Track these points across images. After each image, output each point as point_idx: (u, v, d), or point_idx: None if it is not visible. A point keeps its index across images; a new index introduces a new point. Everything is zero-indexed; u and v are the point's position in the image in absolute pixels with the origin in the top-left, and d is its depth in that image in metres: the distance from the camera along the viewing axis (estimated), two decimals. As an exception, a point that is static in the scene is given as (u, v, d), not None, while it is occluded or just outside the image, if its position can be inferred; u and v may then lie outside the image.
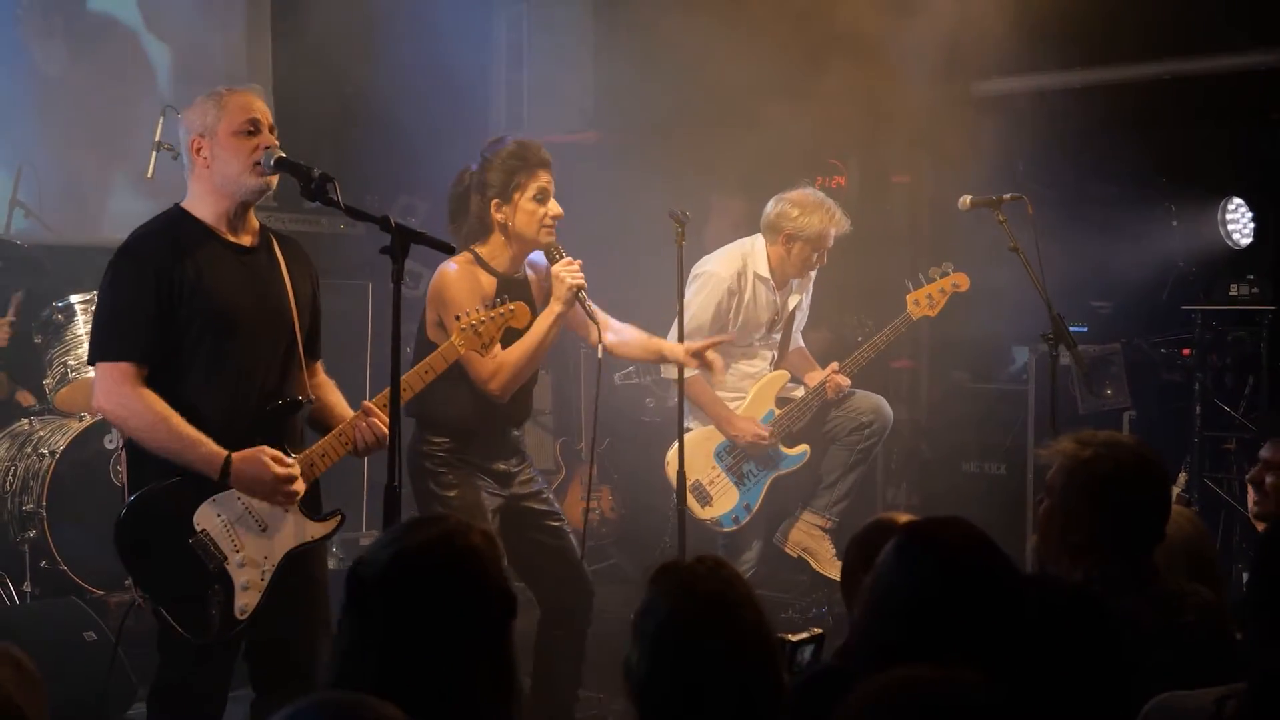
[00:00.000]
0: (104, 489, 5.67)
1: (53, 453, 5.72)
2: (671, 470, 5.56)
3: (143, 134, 6.35)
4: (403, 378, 3.63)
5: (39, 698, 2.36)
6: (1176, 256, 7.18)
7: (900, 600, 2.35)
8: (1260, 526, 4.01)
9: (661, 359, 5.00)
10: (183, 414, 3.64)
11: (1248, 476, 4.08)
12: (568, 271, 4.46)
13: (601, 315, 4.60)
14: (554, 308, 4.48)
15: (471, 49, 8.27)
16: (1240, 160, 7.15)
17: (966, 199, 5.42)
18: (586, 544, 4.78)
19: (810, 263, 5.87)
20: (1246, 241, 6.95)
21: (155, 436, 3.64)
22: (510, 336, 4.32)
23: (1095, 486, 3.02)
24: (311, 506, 3.85)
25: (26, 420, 6.01)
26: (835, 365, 5.98)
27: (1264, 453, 3.95)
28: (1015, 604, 2.35)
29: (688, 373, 5.12)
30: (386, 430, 3.74)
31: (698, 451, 5.81)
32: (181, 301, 3.67)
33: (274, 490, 3.71)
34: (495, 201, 4.51)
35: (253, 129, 3.74)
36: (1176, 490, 5.97)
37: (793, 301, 6.00)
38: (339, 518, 3.89)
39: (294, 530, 3.79)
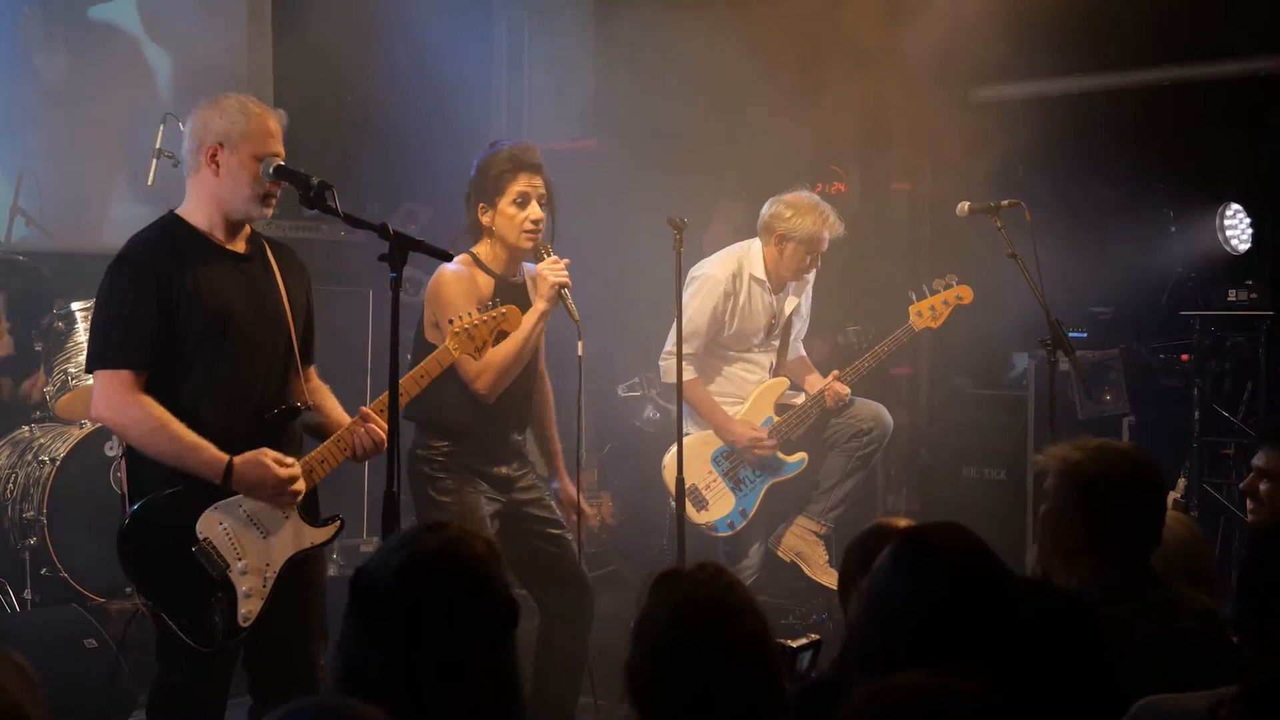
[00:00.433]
0: (105, 496, 5.65)
1: (53, 460, 5.72)
2: (668, 474, 5.57)
3: (143, 142, 6.35)
4: (399, 382, 3.63)
5: (41, 703, 2.37)
6: (1175, 262, 7.18)
7: (896, 605, 2.35)
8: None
9: None
10: (181, 420, 3.64)
11: (1242, 485, 4.06)
12: (551, 270, 4.47)
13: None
14: (538, 306, 4.49)
15: (472, 56, 8.26)
16: (1239, 166, 7.15)
17: (965, 205, 5.43)
18: (585, 550, 4.78)
19: (804, 265, 5.87)
20: (1245, 247, 6.96)
21: (155, 443, 3.64)
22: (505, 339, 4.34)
23: (1088, 490, 3.02)
24: (310, 512, 3.86)
25: (27, 428, 6.02)
26: (835, 373, 5.98)
27: (1257, 460, 3.94)
28: (1009, 609, 2.36)
29: (686, 376, 5.13)
30: (385, 435, 3.75)
31: (695, 455, 5.79)
32: (180, 307, 3.67)
33: (277, 491, 3.72)
34: (481, 205, 4.55)
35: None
36: (1175, 496, 5.97)
37: (789, 305, 5.99)
38: (338, 523, 3.90)
39: (294, 536, 3.80)
